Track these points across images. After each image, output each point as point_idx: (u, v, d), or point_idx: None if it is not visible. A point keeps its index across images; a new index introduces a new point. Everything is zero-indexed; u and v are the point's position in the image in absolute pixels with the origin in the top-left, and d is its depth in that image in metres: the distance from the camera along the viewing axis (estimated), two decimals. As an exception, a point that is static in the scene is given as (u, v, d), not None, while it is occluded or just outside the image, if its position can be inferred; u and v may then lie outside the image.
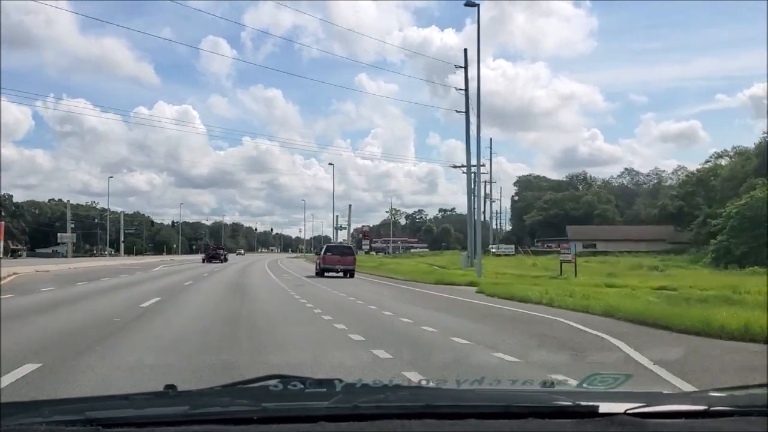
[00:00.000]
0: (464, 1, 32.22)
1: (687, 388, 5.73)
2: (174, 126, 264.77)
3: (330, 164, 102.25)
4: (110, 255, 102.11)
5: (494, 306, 16.01)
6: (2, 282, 23.77)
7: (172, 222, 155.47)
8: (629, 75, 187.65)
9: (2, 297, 15.80)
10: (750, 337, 9.22)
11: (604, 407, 1.62)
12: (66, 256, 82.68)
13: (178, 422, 1.53)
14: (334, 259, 33.48)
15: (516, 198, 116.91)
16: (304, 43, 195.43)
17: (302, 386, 1.79)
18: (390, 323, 11.49)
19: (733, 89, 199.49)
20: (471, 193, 48.41)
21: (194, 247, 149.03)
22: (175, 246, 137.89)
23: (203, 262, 63.11)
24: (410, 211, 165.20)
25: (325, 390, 1.76)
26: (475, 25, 33.36)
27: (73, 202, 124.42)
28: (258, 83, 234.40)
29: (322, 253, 35.37)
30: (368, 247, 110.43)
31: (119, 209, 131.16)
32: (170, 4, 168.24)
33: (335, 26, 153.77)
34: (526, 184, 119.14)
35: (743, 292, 19.16)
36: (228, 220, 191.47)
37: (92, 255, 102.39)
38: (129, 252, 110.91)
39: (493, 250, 76.92)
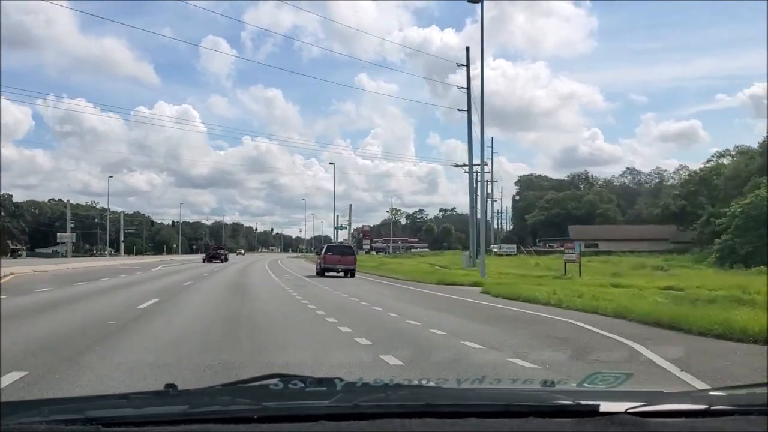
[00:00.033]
0: (465, 0, 31.83)
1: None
2: (174, 126, 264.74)
3: (331, 163, 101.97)
4: (110, 255, 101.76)
5: (501, 307, 15.62)
6: (0, 282, 23.40)
7: (172, 222, 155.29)
8: (629, 75, 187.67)
9: (-1, 297, 15.50)
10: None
11: (605, 406, 1.61)
12: (65, 256, 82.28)
13: (178, 421, 1.51)
14: (335, 258, 33.41)
15: (517, 198, 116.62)
16: (304, 43, 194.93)
17: (303, 385, 1.78)
18: (396, 326, 11.09)
19: (733, 89, 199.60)
20: (473, 192, 48.13)
21: (194, 247, 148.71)
22: (175, 246, 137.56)
23: (204, 262, 62.79)
24: (411, 211, 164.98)
25: (325, 389, 1.75)
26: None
27: (73, 202, 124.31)
28: (258, 83, 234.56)
29: (323, 252, 35.33)
30: (369, 246, 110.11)
31: (119, 209, 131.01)
32: (170, 3, 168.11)
33: (335, 26, 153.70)
34: (527, 183, 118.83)
35: (753, 293, 18.77)
36: (228, 220, 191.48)
37: (92, 255, 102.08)
38: (129, 252, 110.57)
39: (495, 249, 76.45)
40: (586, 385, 1.96)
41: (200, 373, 6.22)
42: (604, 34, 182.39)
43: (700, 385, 5.97)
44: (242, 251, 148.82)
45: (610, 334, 9.77)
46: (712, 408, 1.69)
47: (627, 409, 1.60)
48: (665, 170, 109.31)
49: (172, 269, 41.93)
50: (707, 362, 7.45)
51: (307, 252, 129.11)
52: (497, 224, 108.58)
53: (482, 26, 32.92)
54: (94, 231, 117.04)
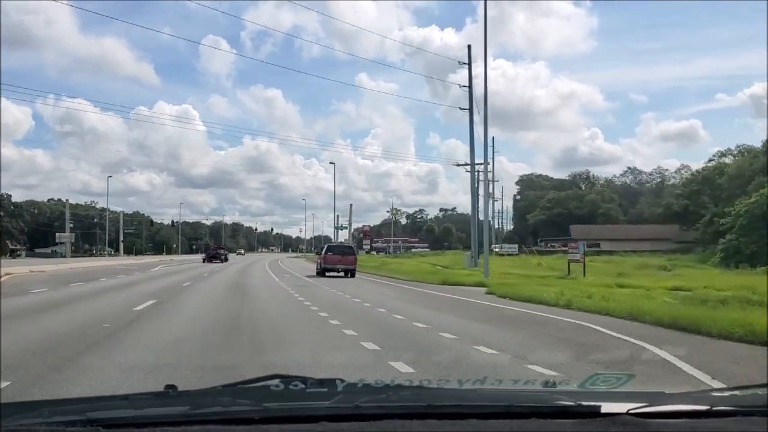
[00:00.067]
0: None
1: None
2: (174, 126, 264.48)
3: (331, 163, 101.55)
4: (109, 255, 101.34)
5: (509, 308, 15.18)
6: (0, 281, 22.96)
7: (172, 222, 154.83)
8: (629, 74, 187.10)
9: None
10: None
11: (606, 407, 1.61)
12: (65, 256, 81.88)
13: (179, 422, 1.51)
14: (335, 258, 33.30)
15: (518, 197, 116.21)
16: (304, 42, 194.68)
17: (303, 386, 1.77)
18: (404, 328, 10.61)
19: (733, 89, 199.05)
20: (474, 191, 47.73)
21: (194, 247, 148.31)
22: (174, 246, 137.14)
23: (204, 262, 62.45)
24: (411, 211, 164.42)
25: (326, 390, 1.74)
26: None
27: (72, 201, 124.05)
28: (258, 83, 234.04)
29: (323, 252, 35.23)
30: (369, 246, 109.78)
31: (119, 209, 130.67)
32: (170, 3, 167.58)
33: (335, 25, 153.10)
34: (528, 183, 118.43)
35: (762, 293, 18.35)
36: (228, 220, 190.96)
37: (91, 255, 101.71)
38: (128, 252, 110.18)
39: (496, 249, 76.04)
40: (587, 385, 1.95)
41: (199, 377, 6.01)
42: (604, 33, 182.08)
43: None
44: (242, 251, 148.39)
45: (629, 338, 9.31)
46: (714, 409, 1.68)
47: (628, 410, 1.60)
48: (666, 169, 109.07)
49: (171, 269, 41.48)
50: (738, 369, 7.02)
51: (307, 252, 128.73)
52: (498, 224, 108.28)
53: (485, 26, 32.53)
54: (93, 231, 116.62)
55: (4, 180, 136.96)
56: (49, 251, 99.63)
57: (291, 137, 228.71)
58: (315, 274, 34.62)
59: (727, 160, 72.85)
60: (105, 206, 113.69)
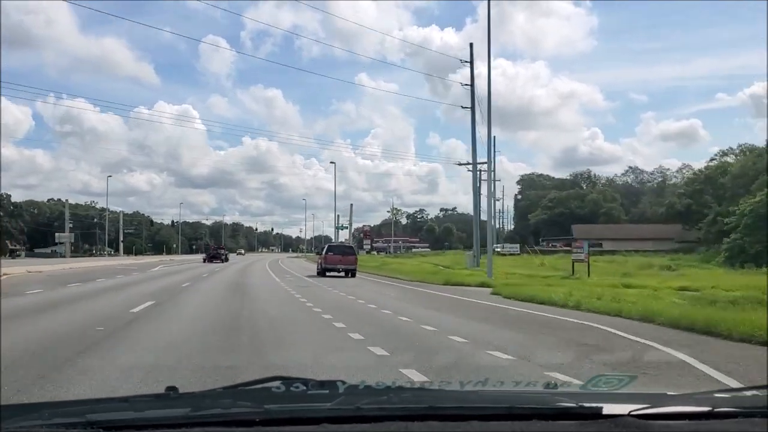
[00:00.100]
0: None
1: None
2: (174, 126, 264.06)
3: (332, 162, 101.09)
4: (109, 255, 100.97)
5: (517, 310, 14.77)
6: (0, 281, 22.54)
7: (172, 222, 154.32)
8: (629, 74, 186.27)
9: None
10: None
11: (608, 409, 1.60)
12: (64, 256, 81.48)
13: (180, 424, 1.50)
14: (336, 258, 33.23)
15: (519, 197, 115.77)
16: (304, 42, 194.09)
17: (305, 388, 1.77)
18: (411, 332, 10.17)
19: (733, 88, 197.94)
20: (476, 191, 47.34)
21: (194, 247, 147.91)
22: (174, 246, 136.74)
23: (204, 262, 62.12)
24: (411, 211, 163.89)
25: (327, 391, 1.74)
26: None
27: (72, 201, 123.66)
28: (258, 83, 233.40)
29: (324, 252, 35.21)
30: (369, 246, 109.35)
31: (119, 209, 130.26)
32: (170, 3, 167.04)
33: (335, 25, 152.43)
34: (529, 182, 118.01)
35: (773, 293, 17.97)
36: (228, 220, 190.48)
37: (91, 255, 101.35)
38: (128, 252, 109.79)
39: (498, 249, 75.62)
40: (589, 387, 1.95)
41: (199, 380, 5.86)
42: (604, 33, 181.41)
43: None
44: (242, 251, 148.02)
45: (647, 341, 8.90)
46: (715, 410, 1.67)
47: (630, 412, 1.59)
48: (668, 169, 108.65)
49: (171, 270, 41.09)
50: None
51: (307, 252, 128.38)
52: (499, 224, 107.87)
53: (489, 25, 32.08)
54: (93, 231, 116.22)
55: (4, 180, 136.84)
56: (49, 251, 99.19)
57: (291, 137, 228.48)
58: (315, 274, 34.47)
59: (729, 159, 72.55)
60: (105, 206, 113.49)
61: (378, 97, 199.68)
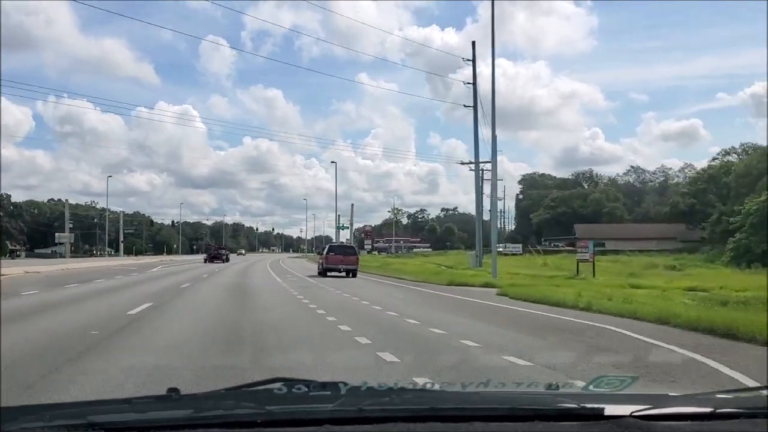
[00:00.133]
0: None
1: None
2: (174, 126, 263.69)
3: (332, 162, 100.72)
4: (109, 255, 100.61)
5: (526, 311, 14.33)
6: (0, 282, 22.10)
7: (172, 222, 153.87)
8: (630, 74, 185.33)
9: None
10: None
11: (610, 409, 1.61)
12: (64, 257, 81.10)
13: (181, 426, 1.50)
14: (337, 258, 33.21)
15: (521, 197, 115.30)
16: (305, 42, 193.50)
17: (306, 389, 1.77)
18: (420, 335, 9.70)
19: (733, 88, 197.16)
20: (479, 190, 46.91)
21: (195, 247, 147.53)
22: (175, 246, 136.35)
23: (205, 262, 61.78)
24: (412, 211, 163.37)
25: (329, 393, 1.74)
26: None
27: (73, 202, 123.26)
28: (258, 83, 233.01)
29: (325, 252, 35.17)
30: (370, 246, 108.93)
31: (119, 209, 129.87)
32: (170, 3, 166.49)
33: (335, 25, 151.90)
34: (530, 182, 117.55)
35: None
36: (229, 220, 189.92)
37: (92, 255, 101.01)
38: (129, 252, 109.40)
39: (500, 249, 75.09)
40: (591, 388, 1.94)
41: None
42: (605, 33, 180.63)
43: None
44: (243, 251, 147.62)
45: (670, 346, 8.45)
46: (717, 411, 1.67)
47: (632, 413, 1.59)
48: (670, 168, 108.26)
49: (170, 270, 40.64)
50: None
51: (308, 252, 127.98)
52: (501, 223, 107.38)
53: (493, 25, 31.55)
54: (93, 231, 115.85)
55: (5, 180, 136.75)
56: (49, 252, 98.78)
57: (291, 137, 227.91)
58: (317, 274, 34.30)
59: (732, 158, 72.14)
60: (105, 206, 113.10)
61: (378, 97, 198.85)
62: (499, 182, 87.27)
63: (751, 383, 6.06)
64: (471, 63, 42.74)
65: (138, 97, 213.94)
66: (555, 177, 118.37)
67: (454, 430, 1.53)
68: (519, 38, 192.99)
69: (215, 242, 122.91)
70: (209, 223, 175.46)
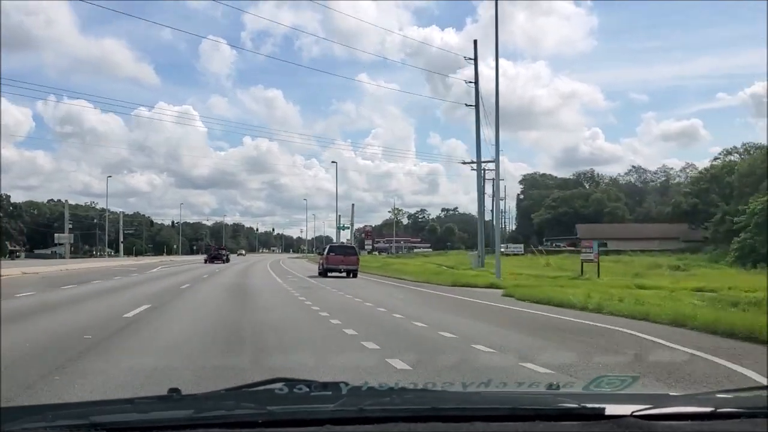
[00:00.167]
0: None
1: None
2: (174, 126, 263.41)
3: (333, 162, 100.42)
4: (109, 256, 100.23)
5: (535, 313, 13.92)
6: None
7: (172, 222, 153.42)
8: (630, 74, 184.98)
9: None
10: None
11: (611, 409, 1.61)
12: (64, 257, 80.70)
13: (183, 426, 1.51)
14: (338, 259, 33.30)
15: (521, 197, 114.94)
16: (305, 43, 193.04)
17: (307, 389, 1.77)
18: (430, 339, 9.28)
19: (733, 88, 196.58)
20: (481, 189, 46.58)
21: (195, 247, 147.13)
22: (175, 247, 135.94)
23: (205, 262, 61.44)
24: (412, 211, 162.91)
25: (330, 393, 1.75)
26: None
27: (73, 202, 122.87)
28: (258, 84, 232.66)
29: (325, 253, 35.17)
30: (371, 247, 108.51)
31: (119, 210, 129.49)
32: (170, 4, 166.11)
33: (335, 25, 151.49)
34: (531, 182, 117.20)
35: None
36: (229, 220, 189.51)
37: (91, 256, 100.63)
38: (129, 253, 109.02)
39: (502, 249, 74.71)
40: (591, 388, 1.94)
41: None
42: (605, 33, 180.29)
43: None
44: (243, 252, 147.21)
45: (692, 350, 8.02)
46: (717, 411, 1.68)
47: (633, 412, 1.59)
48: (671, 168, 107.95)
49: (170, 271, 40.24)
50: None
51: (308, 253, 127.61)
52: (502, 224, 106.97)
53: (497, 25, 31.18)
54: (93, 232, 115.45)
55: (5, 181, 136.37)
56: (49, 252, 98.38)
57: (291, 138, 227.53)
58: (317, 274, 34.12)
59: (734, 158, 71.79)
60: (105, 207, 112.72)
61: (378, 97, 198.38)
62: (500, 182, 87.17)
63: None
64: (472, 61, 42.37)
65: (138, 97, 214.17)
66: (556, 177, 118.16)
67: (456, 430, 1.54)
68: (519, 38, 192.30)
69: (215, 243, 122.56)
70: (209, 223, 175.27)
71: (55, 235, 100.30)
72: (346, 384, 1.75)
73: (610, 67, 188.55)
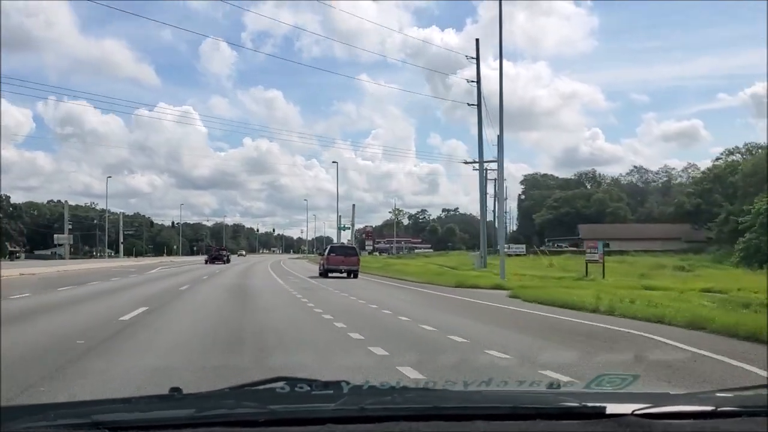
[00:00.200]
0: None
1: None
2: (175, 127, 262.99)
3: (334, 162, 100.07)
4: (109, 257, 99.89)
5: (545, 315, 13.48)
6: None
7: (173, 223, 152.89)
8: (630, 74, 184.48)
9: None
10: None
11: (612, 408, 1.61)
12: (64, 258, 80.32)
13: (184, 425, 1.50)
14: (338, 259, 33.35)
15: (523, 197, 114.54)
16: (305, 43, 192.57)
17: (309, 388, 1.77)
18: (441, 345, 8.77)
19: (734, 88, 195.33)
20: (484, 189, 46.18)
21: (195, 248, 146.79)
22: (175, 247, 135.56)
23: (206, 263, 61.13)
24: (412, 211, 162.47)
25: (331, 392, 1.76)
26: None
27: (73, 203, 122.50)
28: (258, 84, 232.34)
29: (326, 253, 35.18)
30: (371, 247, 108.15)
31: (120, 210, 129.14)
32: (170, 4, 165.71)
33: (336, 26, 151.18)
34: (532, 182, 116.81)
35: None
36: (229, 221, 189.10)
37: (91, 257, 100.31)
38: (129, 253, 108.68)
39: (504, 249, 74.34)
40: (592, 387, 1.94)
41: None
42: (605, 33, 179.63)
43: None
44: (243, 252, 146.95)
45: (724, 358, 7.57)
46: (718, 409, 1.68)
47: (633, 411, 1.59)
48: (673, 168, 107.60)
49: (170, 271, 39.83)
50: None
51: (309, 253, 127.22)
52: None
53: (500, 25, 30.71)
54: (93, 233, 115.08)
55: (5, 182, 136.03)
56: (49, 253, 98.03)
57: (292, 138, 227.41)
58: (318, 275, 33.92)
59: (736, 158, 71.45)
60: (105, 208, 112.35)
61: (378, 97, 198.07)
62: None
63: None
64: (474, 60, 41.96)
65: (138, 97, 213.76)
66: (557, 177, 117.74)
67: (456, 429, 1.54)
68: (519, 38, 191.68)
69: (216, 243, 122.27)
70: (210, 224, 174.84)
71: (55, 236, 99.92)
72: (348, 383, 1.74)
73: (610, 68, 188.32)
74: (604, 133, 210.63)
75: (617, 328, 10.73)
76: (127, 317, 11.62)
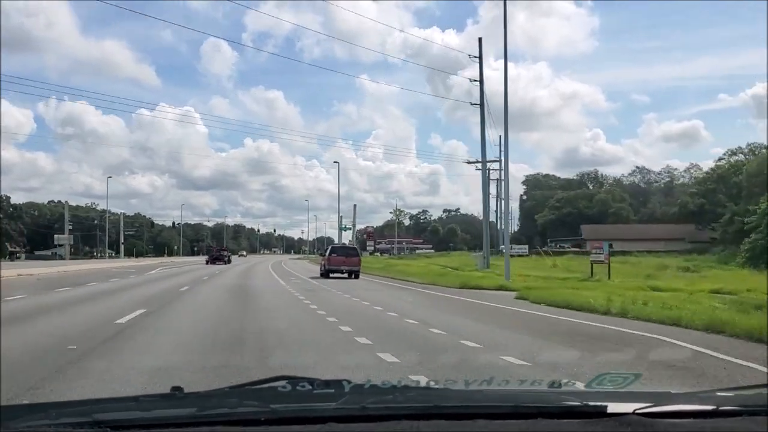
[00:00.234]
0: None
1: None
2: (175, 127, 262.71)
3: (335, 162, 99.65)
4: (110, 257, 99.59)
5: (556, 317, 13.08)
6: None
7: (173, 223, 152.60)
8: (630, 74, 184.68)
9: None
10: None
11: (613, 407, 1.61)
12: (64, 259, 79.99)
13: (186, 424, 1.51)
14: (339, 260, 33.25)
15: (524, 197, 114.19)
16: (306, 44, 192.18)
17: (310, 387, 1.77)
18: (453, 350, 8.29)
19: (734, 89, 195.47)
20: (487, 189, 45.86)
21: (195, 248, 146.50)
22: (176, 248, 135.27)
23: (207, 263, 60.86)
24: (414, 212, 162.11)
25: (333, 391, 1.76)
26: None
27: (74, 204, 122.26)
28: (259, 85, 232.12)
29: (327, 254, 35.02)
30: (373, 248, 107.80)
31: (120, 211, 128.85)
32: (171, 4, 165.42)
33: (336, 26, 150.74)
34: (534, 183, 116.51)
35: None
36: (230, 221, 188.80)
37: (92, 257, 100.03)
38: (129, 254, 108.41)
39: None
40: (594, 386, 1.95)
41: None
42: (605, 33, 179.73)
43: None
44: (244, 253, 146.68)
45: (752, 364, 7.16)
46: (719, 409, 1.68)
47: (635, 410, 1.59)
48: (676, 169, 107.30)
49: (170, 272, 39.44)
50: None
51: (309, 254, 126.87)
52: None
53: (505, 24, 30.29)
54: (93, 233, 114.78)
55: (6, 183, 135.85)
56: (49, 253, 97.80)
57: (292, 138, 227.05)
58: (319, 275, 33.70)
59: (739, 158, 71.11)
60: (105, 208, 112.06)
61: (379, 98, 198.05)
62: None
63: None
64: (476, 59, 41.58)
65: (139, 98, 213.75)
66: (559, 178, 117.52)
67: (458, 428, 1.54)
68: (519, 39, 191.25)
69: (216, 244, 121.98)
70: (210, 224, 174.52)
71: (56, 236, 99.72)
72: (349, 382, 1.74)
73: (610, 68, 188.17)
74: (605, 133, 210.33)
75: (629, 331, 10.29)
76: (123, 320, 11.18)
